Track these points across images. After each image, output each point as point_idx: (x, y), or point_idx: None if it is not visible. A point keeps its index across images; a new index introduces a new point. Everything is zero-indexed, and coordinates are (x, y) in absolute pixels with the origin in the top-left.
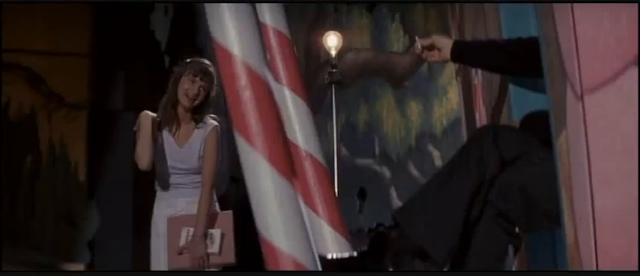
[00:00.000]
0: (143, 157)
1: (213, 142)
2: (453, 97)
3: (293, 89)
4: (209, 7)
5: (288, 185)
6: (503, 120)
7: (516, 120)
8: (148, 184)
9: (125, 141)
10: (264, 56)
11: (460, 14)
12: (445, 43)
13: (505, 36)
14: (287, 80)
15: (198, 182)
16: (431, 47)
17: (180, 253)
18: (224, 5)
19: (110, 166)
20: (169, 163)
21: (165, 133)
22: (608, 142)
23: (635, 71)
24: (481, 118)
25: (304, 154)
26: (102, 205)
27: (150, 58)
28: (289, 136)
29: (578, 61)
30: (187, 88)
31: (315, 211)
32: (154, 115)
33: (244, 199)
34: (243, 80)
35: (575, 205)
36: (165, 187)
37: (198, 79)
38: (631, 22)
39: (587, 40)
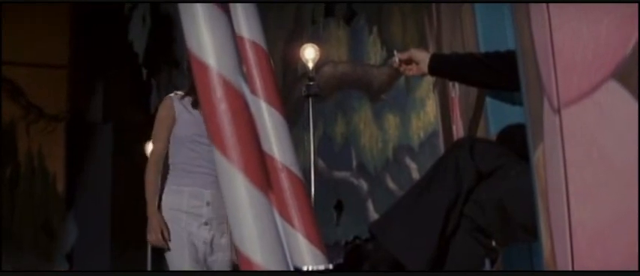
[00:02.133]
0: None
1: None
2: (431, 110)
3: (269, 102)
4: (185, 19)
5: (263, 198)
6: (481, 133)
7: (493, 133)
8: (126, 196)
9: (103, 152)
10: (241, 69)
11: (438, 26)
12: (423, 57)
13: (482, 48)
14: (263, 93)
15: None
16: (409, 61)
17: None
18: (200, 17)
19: (88, 178)
20: (201, 135)
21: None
22: (584, 156)
23: (612, 85)
24: (458, 131)
25: (280, 167)
26: (80, 217)
27: (128, 70)
28: (265, 148)
29: (556, 75)
30: None
31: (291, 223)
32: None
33: None
34: (219, 92)
35: (551, 218)
36: (188, 174)
37: None
38: (609, 35)
39: (564, 53)
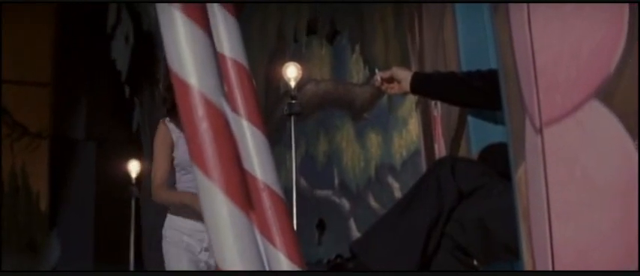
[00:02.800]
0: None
1: None
2: (413, 128)
3: (251, 121)
4: (166, 37)
5: (244, 217)
6: (462, 152)
7: (475, 152)
8: (109, 213)
9: (86, 170)
10: (222, 87)
11: (420, 45)
12: (405, 76)
13: (464, 68)
14: (245, 111)
15: None
16: (390, 79)
17: None
18: (181, 35)
19: (71, 196)
20: None
21: None
22: (566, 175)
23: (594, 104)
24: (440, 150)
25: (262, 186)
26: (63, 234)
27: (111, 88)
28: (247, 167)
29: (538, 94)
30: None
31: (273, 243)
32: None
33: None
34: (200, 111)
35: (533, 237)
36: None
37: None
38: (591, 55)
39: (546, 72)
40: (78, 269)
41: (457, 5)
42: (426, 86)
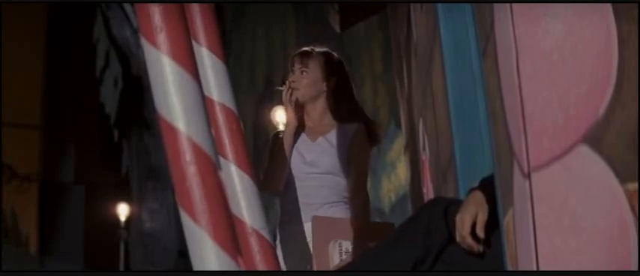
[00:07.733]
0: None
1: (362, 138)
2: (401, 172)
3: (239, 165)
4: (154, 82)
5: (233, 263)
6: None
7: (463, 197)
8: (98, 256)
9: (76, 214)
10: (210, 132)
11: (409, 90)
12: None
13: (453, 113)
14: (233, 156)
15: (332, 188)
16: None
17: None
18: (169, 80)
19: (61, 239)
20: (301, 169)
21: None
22: (555, 221)
23: (582, 149)
24: (428, 194)
25: (250, 231)
26: None
27: (99, 132)
28: (235, 212)
29: (526, 139)
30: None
31: None
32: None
33: None
34: (188, 156)
35: None
36: (291, 211)
37: (288, 82)
38: (579, 100)
39: (535, 118)
40: None
41: (445, 50)
42: None
